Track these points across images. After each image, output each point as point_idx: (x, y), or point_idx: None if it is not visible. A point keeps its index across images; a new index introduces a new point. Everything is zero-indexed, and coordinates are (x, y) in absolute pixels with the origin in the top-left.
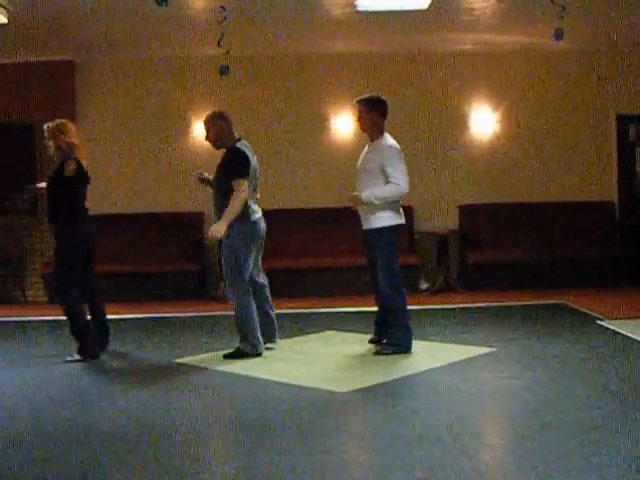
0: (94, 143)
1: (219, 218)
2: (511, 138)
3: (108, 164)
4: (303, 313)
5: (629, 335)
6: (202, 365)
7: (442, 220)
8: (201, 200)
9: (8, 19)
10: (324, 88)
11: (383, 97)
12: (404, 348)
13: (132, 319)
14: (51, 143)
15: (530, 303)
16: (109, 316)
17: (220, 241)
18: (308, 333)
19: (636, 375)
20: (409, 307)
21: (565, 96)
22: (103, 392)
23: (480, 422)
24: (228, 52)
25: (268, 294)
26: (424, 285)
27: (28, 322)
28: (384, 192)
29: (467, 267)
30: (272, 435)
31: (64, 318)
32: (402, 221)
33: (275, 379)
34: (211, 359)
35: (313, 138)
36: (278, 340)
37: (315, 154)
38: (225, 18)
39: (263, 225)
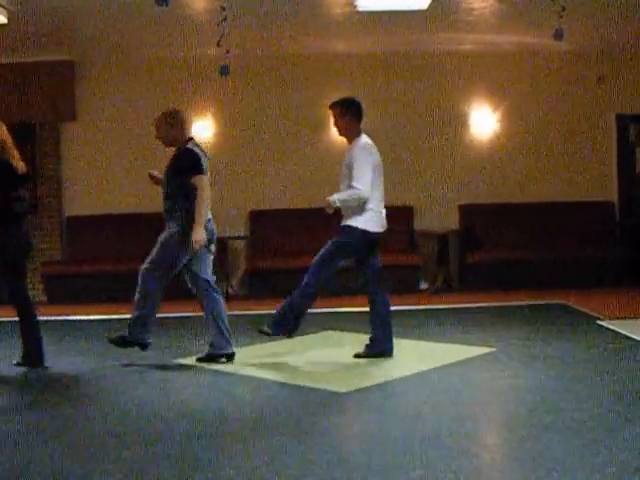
0: (94, 143)
1: (169, 220)
2: (511, 138)
3: (108, 164)
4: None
5: (629, 335)
6: (202, 365)
7: (442, 220)
8: None
9: (8, 19)
10: (324, 88)
11: (357, 98)
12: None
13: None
14: None
15: (530, 303)
16: (111, 316)
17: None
18: (308, 333)
19: (636, 375)
20: (409, 307)
21: (565, 96)
22: (102, 392)
23: (480, 422)
24: (228, 52)
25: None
26: (424, 285)
27: None
28: (343, 195)
29: (467, 267)
30: (272, 435)
31: (68, 318)
32: (376, 230)
33: (275, 379)
34: None
35: (313, 138)
36: (280, 340)
37: (315, 154)
38: (225, 18)
39: (212, 227)
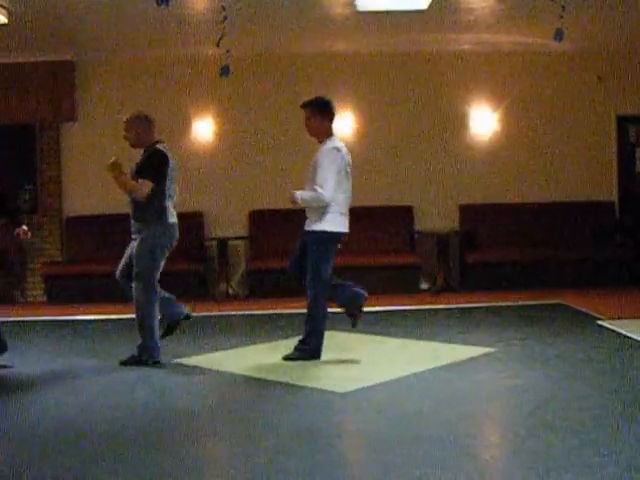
0: (94, 143)
1: (136, 222)
2: (511, 138)
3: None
4: (303, 313)
5: (629, 335)
6: (202, 365)
7: (442, 220)
8: (201, 200)
9: (8, 19)
10: (324, 88)
11: (328, 98)
12: (312, 353)
13: (133, 319)
14: None
15: (530, 303)
16: (110, 316)
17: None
18: None
19: (636, 375)
20: (409, 307)
21: (565, 96)
22: (102, 392)
23: (480, 422)
24: (228, 52)
25: None
26: (424, 285)
27: (27, 322)
28: (306, 196)
29: (467, 267)
30: (272, 435)
31: (68, 318)
32: (341, 230)
33: (275, 379)
34: (211, 359)
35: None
36: (280, 341)
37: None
38: (225, 18)
39: (175, 233)
